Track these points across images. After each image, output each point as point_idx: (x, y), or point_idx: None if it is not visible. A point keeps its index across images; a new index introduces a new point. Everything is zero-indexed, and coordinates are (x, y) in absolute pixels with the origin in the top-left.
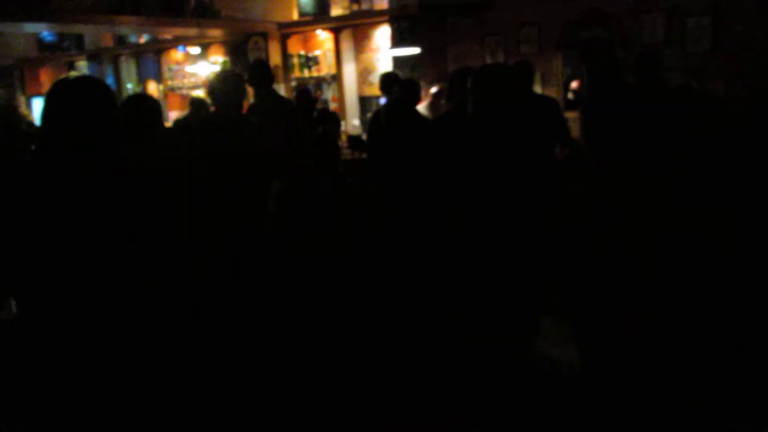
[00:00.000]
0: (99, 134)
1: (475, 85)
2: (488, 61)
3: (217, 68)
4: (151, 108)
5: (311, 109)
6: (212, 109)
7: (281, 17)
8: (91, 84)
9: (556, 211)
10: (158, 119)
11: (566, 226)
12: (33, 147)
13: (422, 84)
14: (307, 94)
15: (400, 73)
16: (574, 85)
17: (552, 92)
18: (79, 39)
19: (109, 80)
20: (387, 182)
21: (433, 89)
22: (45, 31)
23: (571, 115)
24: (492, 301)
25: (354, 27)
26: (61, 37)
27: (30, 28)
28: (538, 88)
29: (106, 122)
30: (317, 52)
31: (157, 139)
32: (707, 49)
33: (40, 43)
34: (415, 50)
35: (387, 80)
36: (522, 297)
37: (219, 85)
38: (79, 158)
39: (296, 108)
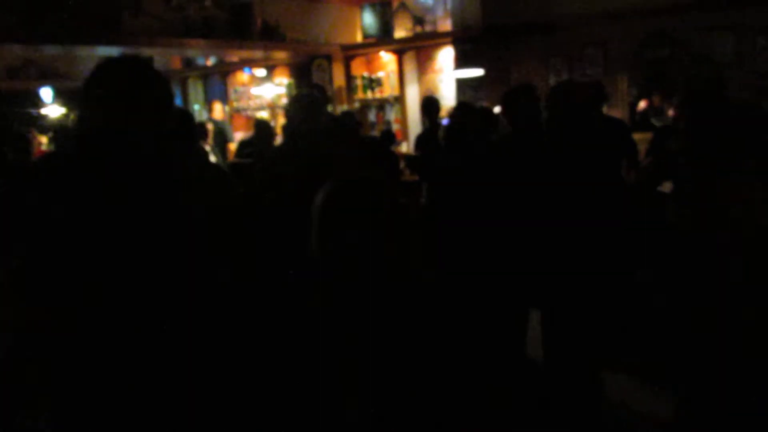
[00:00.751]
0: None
1: (555, 101)
2: (552, 82)
3: (282, 90)
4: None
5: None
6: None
7: (345, 39)
8: (144, 66)
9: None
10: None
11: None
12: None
13: (485, 105)
14: (350, 116)
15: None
16: (642, 105)
17: (617, 113)
18: (148, 61)
19: (177, 101)
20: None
21: (496, 109)
22: (116, 55)
23: (638, 137)
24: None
25: (417, 49)
26: None
27: (102, 51)
28: (603, 109)
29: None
30: (380, 74)
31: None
32: None
33: None
34: (478, 72)
35: (428, 104)
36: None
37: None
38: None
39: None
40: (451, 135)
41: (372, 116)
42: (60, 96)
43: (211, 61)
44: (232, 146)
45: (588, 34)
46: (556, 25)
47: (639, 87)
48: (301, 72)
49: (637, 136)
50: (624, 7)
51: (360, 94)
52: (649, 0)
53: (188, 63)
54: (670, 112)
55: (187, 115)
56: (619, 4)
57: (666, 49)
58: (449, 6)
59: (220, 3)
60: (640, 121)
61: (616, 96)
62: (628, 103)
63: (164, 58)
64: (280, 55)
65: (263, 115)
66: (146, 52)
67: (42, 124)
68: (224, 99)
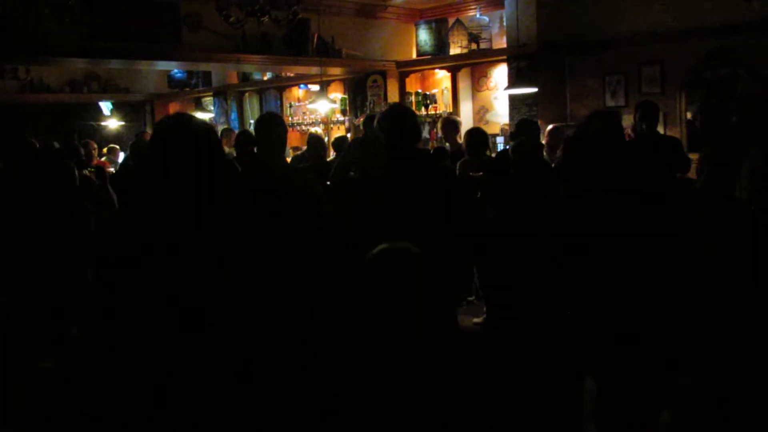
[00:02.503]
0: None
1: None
2: (609, 101)
3: (336, 106)
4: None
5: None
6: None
7: (400, 56)
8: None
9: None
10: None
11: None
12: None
13: (540, 123)
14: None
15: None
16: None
17: (675, 132)
18: (206, 76)
19: (233, 116)
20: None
21: (549, 127)
22: (175, 69)
23: (694, 156)
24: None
25: (472, 66)
26: (190, 74)
27: (162, 65)
28: (660, 128)
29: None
30: (434, 91)
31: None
32: None
33: (170, 79)
34: (532, 89)
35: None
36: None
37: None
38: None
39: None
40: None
41: (425, 133)
42: (118, 109)
43: (267, 76)
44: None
45: (645, 52)
46: (612, 43)
47: (697, 106)
48: (356, 88)
49: (693, 156)
50: (681, 26)
51: (414, 110)
52: (707, 19)
53: (245, 77)
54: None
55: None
56: (676, 23)
57: (725, 68)
58: (505, 23)
59: (278, 19)
60: (700, 139)
61: (674, 115)
62: (686, 122)
63: (221, 73)
64: (335, 70)
65: (317, 130)
66: (203, 67)
67: (102, 136)
68: (280, 114)
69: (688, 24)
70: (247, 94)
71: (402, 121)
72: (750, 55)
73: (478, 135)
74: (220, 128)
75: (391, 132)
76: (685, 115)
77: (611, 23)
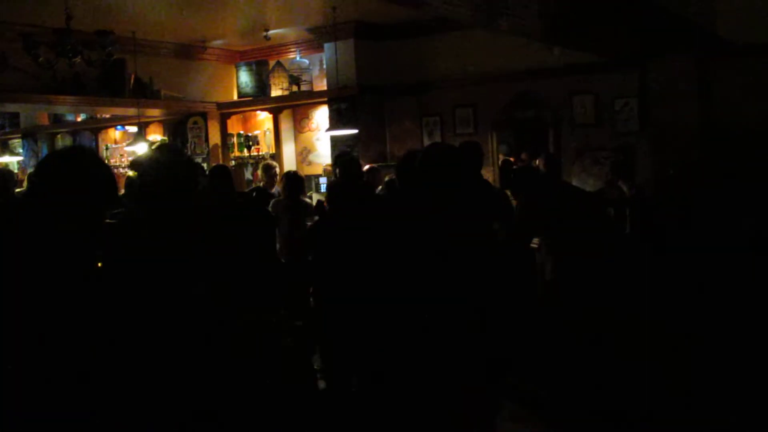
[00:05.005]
0: None
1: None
2: (426, 141)
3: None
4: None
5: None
6: None
7: (221, 97)
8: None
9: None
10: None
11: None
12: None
13: (362, 163)
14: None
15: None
16: (524, 156)
17: (487, 171)
18: (13, 117)
19: None
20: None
21: (366, 167)
22: None
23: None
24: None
25: (293, 108)
26: None
27: None
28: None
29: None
30: (257, 132)
31: None
32: (635, 130)
33: None
34: (353, 131)
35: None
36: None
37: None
38: None
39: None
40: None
41: (248, 174)
42: None
43: (81, 117)
44: None
45: (459, 95)
46: (428, 86)
47: (508, 146)
48: (176, 129)
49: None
50: (492, 71)
51: (236, 152)
52: (516, 64)
53: (57, 118)
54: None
55: None
56: (488, 68)
57: (531, 109)
58: (325, 66)
59: (91, 60)
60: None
61: (486, 154)
62: (498, 161)
63: (31, 113)
64: (154, 112)
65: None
66: (11, 108)
67: None
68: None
69: (498, 68)
70: (59, 136)
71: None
72: (554, 96)
73: (293, 177)
74: (29, 171)
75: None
76: (498, 155)
77: (427, 68)
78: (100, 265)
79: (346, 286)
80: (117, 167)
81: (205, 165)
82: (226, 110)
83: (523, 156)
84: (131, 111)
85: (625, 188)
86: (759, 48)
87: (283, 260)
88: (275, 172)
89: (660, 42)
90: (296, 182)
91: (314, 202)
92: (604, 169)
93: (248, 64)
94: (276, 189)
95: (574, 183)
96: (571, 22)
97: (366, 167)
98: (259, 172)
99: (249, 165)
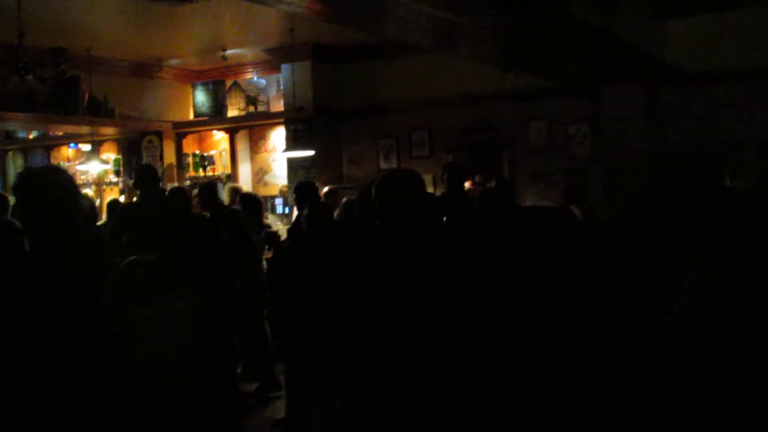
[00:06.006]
0: None
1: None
2: (382, 164)
3: (110, 166)
4: None
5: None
6: None
7: (177, 117)
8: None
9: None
10: None
11: None
12: None
13: (318, 185)
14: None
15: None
16: (467, 185)
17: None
18: None
19: None
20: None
21: (325, 189)
22: None
23: None
24: None
25: (250, 128)
26: None
27: None
28: (429, 189)
29: None
30: (212, 152)
31: None
32: (588, 155)
33: None
34: (309, 152)
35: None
36: None
37: None
38: None
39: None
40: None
41: None
42: None
43: (33, 134)
44: None
45: (415, 118)
46: (385, 109)
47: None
48: (130, 148)
49: None
50: (448, 95)
51: (191, 172)
52: (472, 89)
53: (7, 135)
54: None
55: None
56: (444, 92)
57: (487, 133)
58: (282, 87)
59: (44, 78)
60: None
61: (441, 176)
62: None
63: None
64: (108, 130)
65: (89, 192)
66: None
67: None
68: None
69: (454, 92)
70: (10, 153)
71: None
72: (509, 121)
73: (252, 200)
74: None
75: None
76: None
77: (383, 90)
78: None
79: (314, 314)
80: None
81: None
82: (181, 129)
83: (477, 178)
84: (85, 129)
85: (577, 212)
86: (705, 75)
87: (237, 283)
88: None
89: (612, 69)
90: (254, 204)
91: (270, 222)
92: (557, 193)
93: (205, 84)
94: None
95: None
96: (527, 50)
97: (325, 189)
98: (225, 194)
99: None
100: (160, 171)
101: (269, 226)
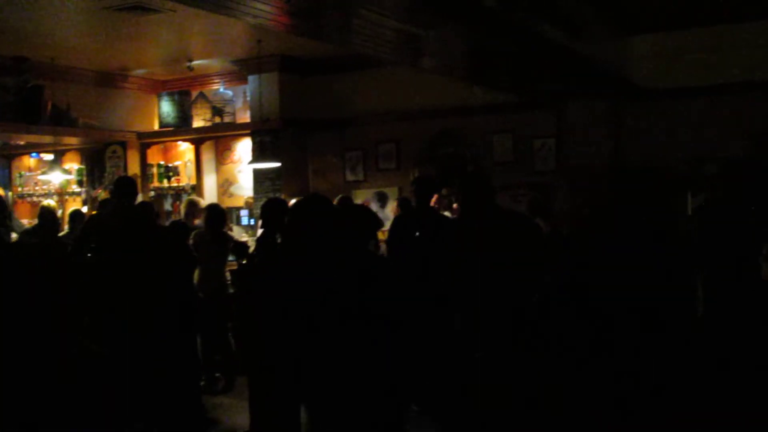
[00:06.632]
0: None
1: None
2: (349, 176)
3: (72, 177)
4: None
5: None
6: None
7: (142, 127)
8: None
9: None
10: None
11: None
12: None
13: (283, 197)
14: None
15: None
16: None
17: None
18: None
19: None
20: None
21: (292, 201)
22: None
23: None
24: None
25: (215, 139)
26: None
27: None
28: (394, 202)
29: None
30: (177, 163)
31: None
32: (552, 169)
33: None
34: (275, 164)
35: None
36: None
37: None
38: None
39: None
40: None
41: (168, 205)
42: None
43: None
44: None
45: (382, 130)
46: (351, 122)
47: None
48: (93, 158)
49: None
50: (415, 108)
51: (156, 183)
52: (439, 102)
53: None
54: (455, 206)
55: None
56: (411, 105)
57: (453, 147)
58: (248, 98)
59: (7, 86)
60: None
61: (408, 189)
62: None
63: None
64: (71, 140)
65: (50, 202)
66: None
67: None
68: (7, 184)
69: (421, 105)
70: None
71: None
72: (475, 134)
73: (216, 211)
74: None
75: None
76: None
77: (351, 103)
78: None
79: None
80: (31, 195)
81: None
82: (146, 140)
83: (444, 191)
84: (47, 138)
85: (542, 225)
86: (667, 92)
87: (201, 295)
88: (199, 209)
89: (577, 85)
90: (219, 216)
91: (235, 233)
92: (522, 206)
93: (170, 94)
94: (198, 222)
95: None
96: (492, 65)
97: (293, 201)
98: (182, 206)
99: (169, 196)
100: None
101: (232, 237)
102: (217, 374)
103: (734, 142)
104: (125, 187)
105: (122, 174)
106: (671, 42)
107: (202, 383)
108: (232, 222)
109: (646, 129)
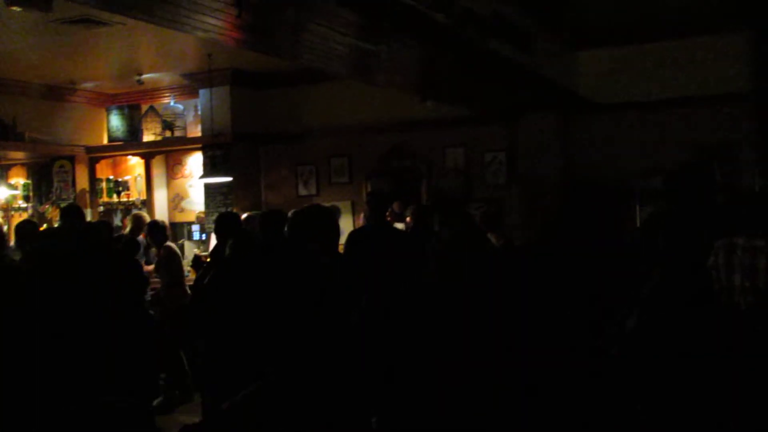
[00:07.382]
0: None
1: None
2: (301, 190)
3: (18, 192)
4: None
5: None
6: None
7: (90, 141)
8: None
9: None
10: None
11: None
12: None
13: (235, 211)
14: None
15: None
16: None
17: (359, 219)
18: None
19: None
20: None
21: (244, 216)
22: None
23: None
24: None
25: (166, 153)
26: None
27: None
28: (348, 216)
29: None
30: (127, 178)
31: None
32: (504, 182)
33: None
34: (227, 178)
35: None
36: None
37: None
38: None
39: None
40: None
41: (117, 220)
42: None
43: None
44: None
45: (334, 144)
46: (303, 136)
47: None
48: (40, 173)
49: None
50: (367, 122)
51: (105, 198)
52: (391, 116)
53: None
54: (408, 219)
55: None
56: (363, 119)
57: (406, 160)
58: (200, 112)
59: None
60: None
61: (360, 203)
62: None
63: None
64: (17, 154)
65: None
66: None
67: None
68: None
69: (373, 120)
70: None
71: None
72: (426, 148)
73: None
74: None
75: None
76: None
77: (302, 117)
78: None
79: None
80: None
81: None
82: (95, 154)
83: (395, 206)
84: None
85: (493, 239)
86: (615, 106)
87: (151, 312)
88: (144, 222)
89: (527, 99)
90: (159, 231)
91: (184, 248)
92: (475, 220)
93: (120, 108)
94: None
95: None
96: (443, 79)
97: (244, 216)
98: (128, 220)
99: (118, 211)
100: (71, 197)
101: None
102: (177, 391)
103: (681, 155)
104: (71, 214)
105: (69, 188)
106: (619, 57)
107: (155, 402)
108: (183, 237)
109: (594, 142)
